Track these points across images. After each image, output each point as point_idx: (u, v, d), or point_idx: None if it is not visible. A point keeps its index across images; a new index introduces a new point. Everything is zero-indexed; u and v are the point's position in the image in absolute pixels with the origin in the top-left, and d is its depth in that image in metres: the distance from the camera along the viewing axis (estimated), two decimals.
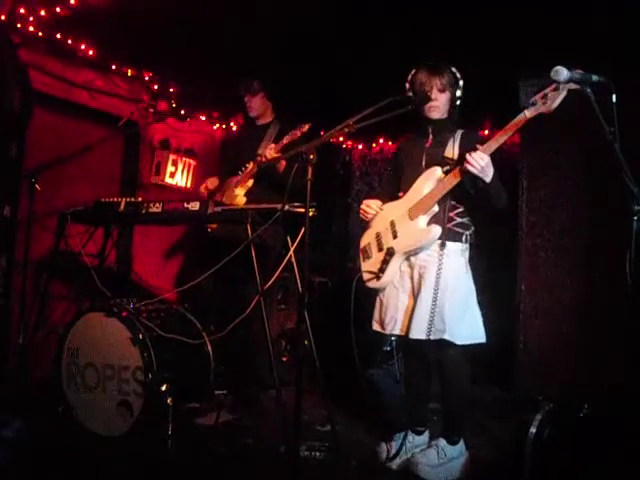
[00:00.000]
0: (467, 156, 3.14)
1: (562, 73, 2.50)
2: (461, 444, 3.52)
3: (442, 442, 3.49)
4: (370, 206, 3.66)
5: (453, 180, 3.30)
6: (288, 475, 3.11)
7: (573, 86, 2.64)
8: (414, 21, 4.41)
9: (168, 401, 3.57)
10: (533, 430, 3.02)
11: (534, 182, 4.68)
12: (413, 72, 3.58)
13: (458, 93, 3.53)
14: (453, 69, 3.53)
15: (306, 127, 4.24)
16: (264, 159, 4.51)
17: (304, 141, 4.01)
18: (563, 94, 2.82)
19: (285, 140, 4.39)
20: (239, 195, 4.60)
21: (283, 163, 4.49)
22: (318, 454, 3.61)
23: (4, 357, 4.55)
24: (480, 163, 3.11)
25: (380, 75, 4.41)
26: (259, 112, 4.87)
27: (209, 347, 4.10)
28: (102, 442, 3.72)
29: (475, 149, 3.16)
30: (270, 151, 4.48)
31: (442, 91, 3.50)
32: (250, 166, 4.65)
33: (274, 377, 3.69)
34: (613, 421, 2.94)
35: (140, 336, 3.74)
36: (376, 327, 3.68)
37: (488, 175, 3.17)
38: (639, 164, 2.53)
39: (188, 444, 3.69)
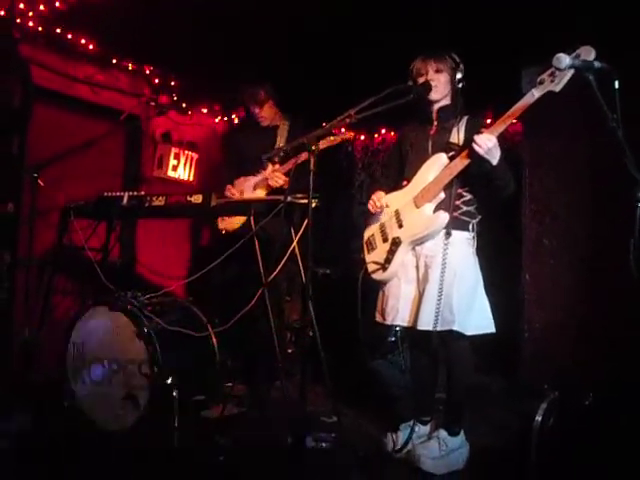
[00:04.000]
0: (474, 137, 3.12)
1: (564, 60, 2.49)
2: (462, 435, 3.51)
3: (443, 433, 3.47)
4: (380, 200, 3.64)
5: (460, 164, 3.28)
6: (295, 466, 3.12)
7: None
8: (415, 12, 4.39)
9: (174, 394, 3.57)
10: (538, 419, 3.02)
11: (536, 170, 4.66)
12: (412, 63, 3.58)
13: (459, 75, 3.50)
14: (452, 54, 3.52)
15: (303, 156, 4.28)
16: (276, 185, 4.57)
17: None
18: (571, 72, 2.78)
19: (290, 164, 4.46)
20: (261, 195, 4.61)
21: (286, 180, 4.53)
22: (324, 445, 3.61)
23: (9, 352, 4.57)
24: (487, 144, 3.09)
25: (383, 67, 4.40)
26: (270, 120, 4.84)
27: (214, 340, 4.10)
28: (108, 436, 3.73)
29: (481, 132, 3.15)
30: (278, 178, 4.54)
31: (439, 72, 3.49)
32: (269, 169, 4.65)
33: (279, 369, 3.70)
34: (617, 409, 2.94)
35: (145, 329, 3.74)
36: (378, 318, 3.67)
37: (495, 157, 3.16)
38: None
39: (194, 437, 3.69)
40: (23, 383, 4.14)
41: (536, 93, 2.99)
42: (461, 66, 3.52)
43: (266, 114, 4.81)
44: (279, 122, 4.83)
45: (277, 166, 4.59)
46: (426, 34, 4.04)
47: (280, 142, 4.72)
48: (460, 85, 3.52)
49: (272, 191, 4.59)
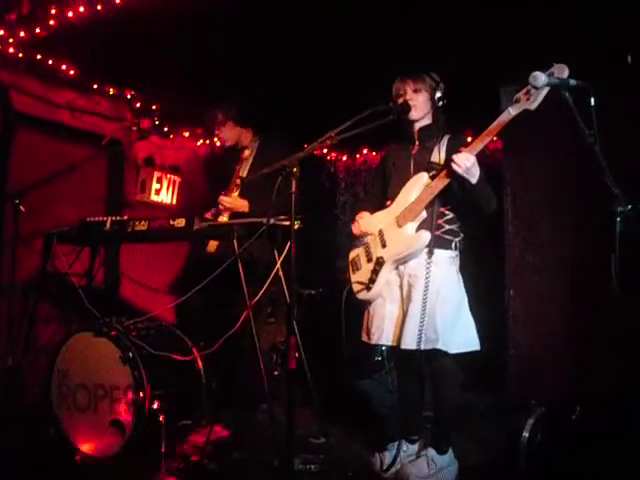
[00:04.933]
0: (453, 157, 3.15)
1: (540, 78, 2.53)
2: (450, 453, 3.50)
3: (432, 452, 3.47)
4: (366, 225, 3.65)
5: (440, 184, 3.30)
6: None
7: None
8: (396, 31, 4.43)
9: (160, 419, 3.55)
10: (526, 435, 3.03)
11: (518, 187, 4.69)
12: (393, 84, 3.61)
13: (439, 94, 3.53)
14: (432, 74, 3.56)
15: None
16: (222, 208, 4.61)
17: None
18: (546, 89, 2.81)
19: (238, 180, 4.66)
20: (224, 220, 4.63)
21: (245, 204, 4.55)
22: (313, 467, 3.59)
23: None
24: (466, 164, 3.11)
25: (361, 86, 4.44)
26: (234, 140, 4.81)
27: (200, 363, 4.08)
28: (95, 463, 3.70)
29: (460, 151, 3.17)
30: (223, 201, 4.58)
31: (417, 91, 3.52)
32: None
33: (266, 391, 3.69)
34: (605, 423, 2.95)
35: (130, 354, 3.72)
36: (364, 337, 3.67)
37: (474, 176, 3.18)
38: (620, 165, 2.55)
39: (181, 461, 3.67)
40: (8, 411, 4.10)
41: (512, 111, 3.02)
42: (441, 85, 3.55)
43: (226, 135, 4.80)
44: (247, 142, 4.83)
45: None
46: (406, 53, 4.07)
47: (245, 167, 4.74)
48: (440, 103, 3.55)
49: (233, 214, 4.62)
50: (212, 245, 4.56)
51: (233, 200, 4.59)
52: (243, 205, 4.54)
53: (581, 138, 2.51)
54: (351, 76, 4.98)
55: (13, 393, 4.14)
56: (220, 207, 4.60)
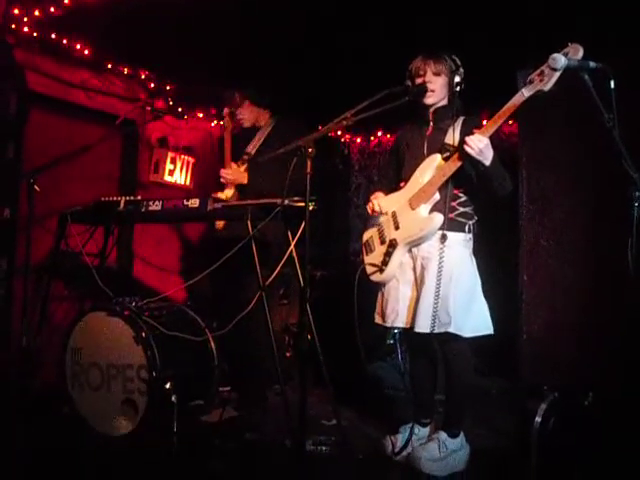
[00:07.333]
0: (466, 139, 3.13)
1: (560, 60, 2.50)
2: (461, 436, 3.50)
3: (443, 435, 3.46)
4: (379, 203, 3.63)
5: (453, 165, 3.28)
6: (294, 470, 3.11)
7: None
8: (413, 11, 4.39)
9: (173, 399, 3.57)
10: (538, 419, 3.02)
11: (533, 171, 4.65)
12: (412, 62, 3.57)
13: (457, 79, 3.48)
14: (453, 56, 3.51)
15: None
16: (224, 182, 4.58)
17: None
18: (560, 71, 2.79)
19: (245, 156, 4.61)
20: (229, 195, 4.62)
21: (245, 175, 4.53)
22: (324, 448, 3.61)
23: (7, 359, 4.55)
24: (479, 145, 3.09)
25: (378, 67, 4.40)
26: (252, 121, 4.77)
27: (212, 344, 4.10)
28: (107, 441, 3.72)
29: (473, 133, 3.15)
30: (226, 174, 4.55)
31: (437, 75, 3.47)
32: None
33: (278, 372, 3.69)
34: (617, 409, 2.94)
35: (143, 334, 3.74)
36: (378, 320, 3.67)
37: (487, 158, 3.16)
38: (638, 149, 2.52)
39: (193, 441, 3.69)
40: (22, 390, 4.13)
41: (526, 93, 3.00)
42: (460, 70, 3.50)
43: (244, 115, 4.75)
44: (263, 123, 4.80)
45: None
46: (423, 35, 4.03)
47: (256, 143, 4.71)
48: (458, 89, 3.51)
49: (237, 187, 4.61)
50: (219, 223, 4.54)
51: (233, 172, 4.56)
52: (243, 177, 4.54)
53: (599, 122, 2.48)
54: (368, 57, 4.94)
55: (28, 373, 4.16)
56: (222, 180, 4.57)
